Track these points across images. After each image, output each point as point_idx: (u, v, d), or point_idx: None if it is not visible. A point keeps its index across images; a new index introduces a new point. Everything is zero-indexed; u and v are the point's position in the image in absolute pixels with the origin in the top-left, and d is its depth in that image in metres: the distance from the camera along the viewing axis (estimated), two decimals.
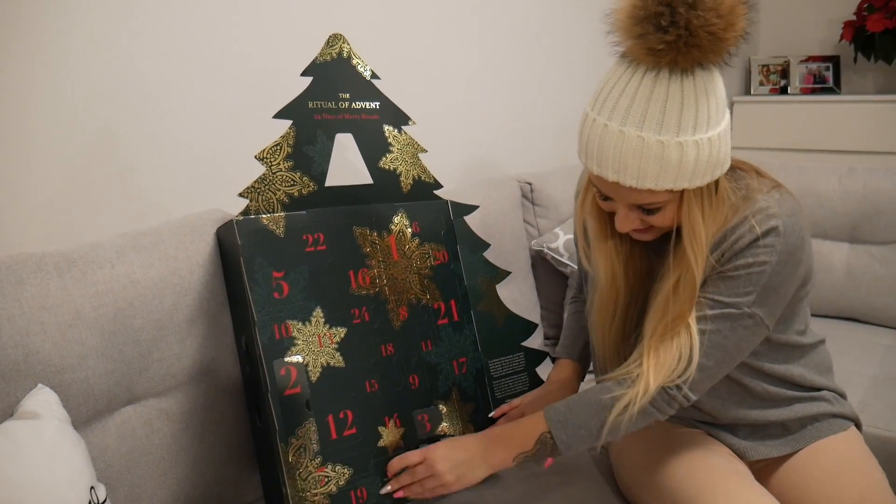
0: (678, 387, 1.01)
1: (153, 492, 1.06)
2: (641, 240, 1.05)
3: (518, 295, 1.78)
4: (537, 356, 1.37)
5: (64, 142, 1.15)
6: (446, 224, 1.31)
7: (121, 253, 1.06)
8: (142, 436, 1.06)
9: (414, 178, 1.29)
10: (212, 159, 1.35)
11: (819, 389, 1.15)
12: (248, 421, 1.19)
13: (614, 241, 1.07)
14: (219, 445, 1.15)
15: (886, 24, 2.85)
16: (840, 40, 3.05)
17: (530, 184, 1.91)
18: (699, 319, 1.00)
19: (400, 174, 1.28)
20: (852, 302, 2.09)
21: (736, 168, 1.05)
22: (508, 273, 1.37)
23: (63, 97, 1.14)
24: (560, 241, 1.80)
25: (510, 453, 1.05)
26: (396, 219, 1.25)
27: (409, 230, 1.26)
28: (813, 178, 2.15)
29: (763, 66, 3.27)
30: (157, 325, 1.06)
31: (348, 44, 1.24)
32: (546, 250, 1.81)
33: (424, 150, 1.31)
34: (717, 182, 0.98)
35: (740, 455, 1.14)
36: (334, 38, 1.23)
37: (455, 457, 1.06)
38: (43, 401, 0.91)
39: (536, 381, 1.35)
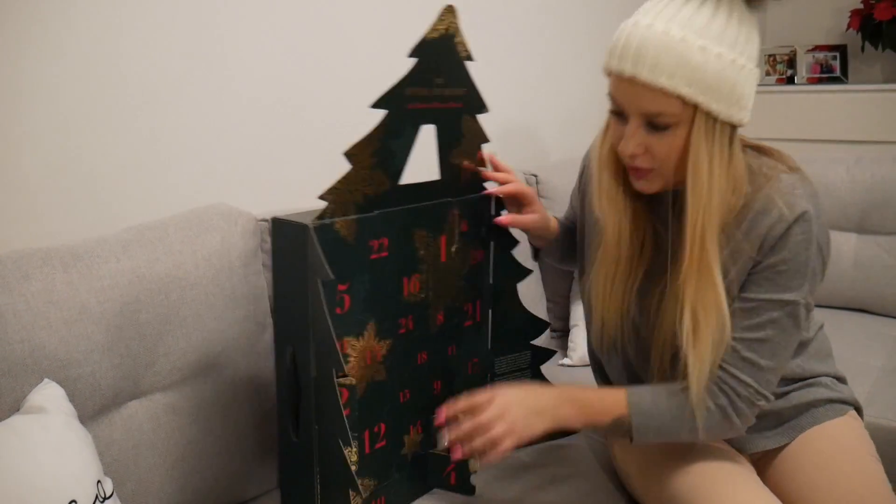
0: (759, 392, 1.00)
1: (160, 486, 1.07)
2: (643, 190, 1.01)
3: (523, 287, 1.76)
4: (543, 354, 1.35)
5: (66, 137, 1.15)
6: (488, 221, 1.23)
7: (126, 247, 1.06)
8: (148, 430, 1.06)
9: (470, 172, 1.19)
10: (216, 153, 1.35)
11: (817, 376, 1.15)
12: (254, 417, 1.19)
13: (625, 198, 1.05)
14: (226, 439, 1.15)
15: (895, 13, 2.82)
16: (847, 29, 3.02)
17: (535, 176, 1.90)
18: (758, 326, 0.99)
19: (461, 167, 1.18)
20: (860, 292, 2.08)
21: (756, 147, 1.04)
22: (530, 272, 1.33)
23: (65, 90, 1.14)
24: None
25: (581, 419, 1.02)
26: (450, 216, 1.15)
27: (458, 229, 1.17)
28: (820, 168, 2.14)
29: (769, 55, 3.25)
30: (163, 319, 1.06)
31: (457, 19, 1.09)
32: None
33: (487, 140, 1.20)
34: (732, 134, 0.95)
35: (739, 448, 1.13)
36: (447, 12, 1.07)
37: (528, 403, 0.99)
38: (49, 395, 0.91)
39: (541, 380, 1.34)
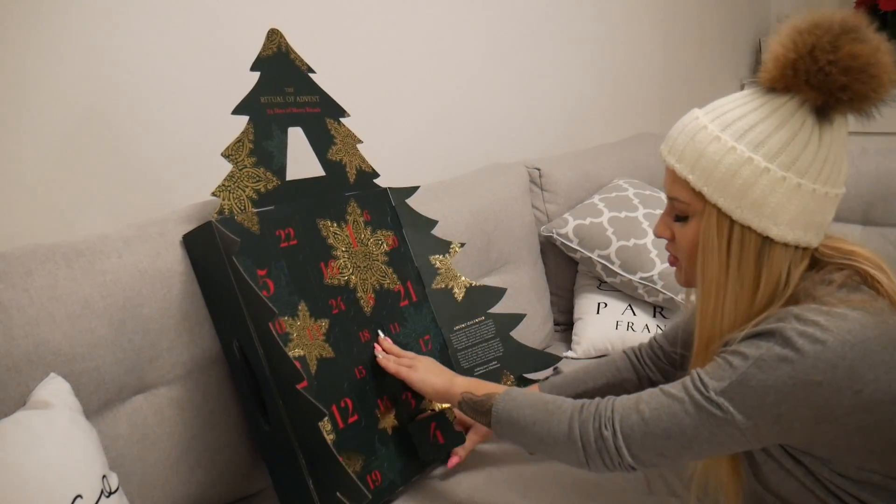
0: (614, 430, 0.89)
1: (165, 479, 1.07)
2: (677, 281, 1.00)
3: (528, 281, 1.78)
4: (509, 320, 1.36)
5: (65, 136, 1.15)
6: (390, 210, 1.35)
7: (128, 243, 1.06)
8: (153, 424, 1.06)
9: (356, 169, 1.32)
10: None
11: None
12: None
13: None
14: (230, 433, 1.16)
15: None
16: None
17: (539, 169, 1.90)
18: (675, 384, 0.90)
19: (345, 165, 1.30)
20: None
21: (836, 265, 0.94)
22: (462, 244, 1.39)
23: (64, 89, 1.14)
24: (569, 226, 1.79)
25: (466, 387, 1.08)
26: (350, 209, 1.27)
27: (362, 219, 1.29)
28: None
29: None
30: (166, 313, 1.07)
31: (285, 38, 1.21)
32: (555, 236, 1.81)
33: (360, 141, 1.33)
34: (762, 246, 0.87)
35: None
36: (273, 33, 1.20)
37: (439, 366, 1.16)
38: (55, 390, 0.91)
39: (513, 346, 1.35)
